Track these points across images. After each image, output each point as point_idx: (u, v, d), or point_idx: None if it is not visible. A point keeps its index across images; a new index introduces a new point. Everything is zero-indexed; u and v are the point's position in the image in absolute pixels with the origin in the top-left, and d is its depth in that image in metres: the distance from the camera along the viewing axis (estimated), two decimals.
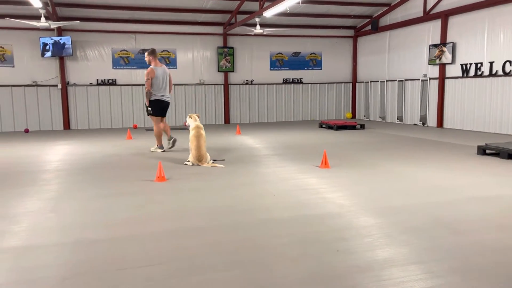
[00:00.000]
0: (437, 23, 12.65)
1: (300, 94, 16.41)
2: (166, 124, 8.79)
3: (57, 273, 2.95)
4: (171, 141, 8.64)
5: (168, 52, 14.79)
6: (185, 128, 12.99)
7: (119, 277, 2.88)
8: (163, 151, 8.59)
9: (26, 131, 13.35)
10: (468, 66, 11.73)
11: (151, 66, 8.32)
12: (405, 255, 3.19)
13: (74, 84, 14.04)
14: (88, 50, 14.10)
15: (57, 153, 8.74)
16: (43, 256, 3.28)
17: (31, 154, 8.67)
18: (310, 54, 16.35)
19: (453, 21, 12.20)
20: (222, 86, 15.50)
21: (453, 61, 12.16)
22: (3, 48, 13.33)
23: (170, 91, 8.66)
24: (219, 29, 15.18)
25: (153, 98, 8.35)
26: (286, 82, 16.19)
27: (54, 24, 11.20)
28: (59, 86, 13.82)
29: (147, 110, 8.53)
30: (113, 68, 14.34)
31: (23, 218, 4.26)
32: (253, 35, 14.63)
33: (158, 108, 8.44)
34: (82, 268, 3.04)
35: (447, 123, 12.64)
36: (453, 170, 6.36)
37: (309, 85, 16.47)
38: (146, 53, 8.46)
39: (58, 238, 3.67)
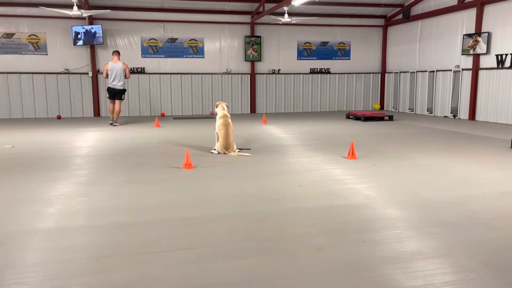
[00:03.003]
0: (472, 12, 12.22)
1: (327, 84, 16.23)
2: (119, 109, 11.64)
3: (89, 254, 3.06)
4: (113, 122, 11.53)
5: (196, 41, 14.86)
6: (212, 116, 13.08)
7: (148, 260, 2.95)
8: (111, 124, 11.57)
9: (58, 117, 13.74)
10: (504, 56, 11.31)
11: (109, 61, 11.61)
12: (434, 248, 3.14)
13: None
14: (118, 39, 14.32)
15: (88, 139, 8.98)
16: (76, 238, 3.40)
17: (64, 139, 8.94)
18: (339, 44, 16.11)
19: (489, 9, 11.76)
20: (249, 75, 15.49)
21: (488, 51, 11.75)
22: (37, 36, 13.70)
23: (126, 78, 11.62)
24: (247, 18, 15.12)
25: (107, 85, 11.66)
26: (313, 72, 16.03)
27: (86, 13, 11.40)
28: (90, 74, 14.13)
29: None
30: (142, 57, 14.53)
31: (57, 200, 4.42)
32: (281, 24, 14.52)
33: (109, 93, 11.62)
34: (113, 250, 3.14)
35: (479, 116, 12.27)
36: (484, 164, 6.18)
37: (337, 75, 16.26)
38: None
39: (89, 221, 3.79)
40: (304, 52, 15.87)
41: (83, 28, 13.60)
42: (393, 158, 6.69)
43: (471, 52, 12.20)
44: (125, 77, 11.55)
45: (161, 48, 14.65)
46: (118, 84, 11.46)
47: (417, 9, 14.57)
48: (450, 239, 3.31)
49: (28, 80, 13.76)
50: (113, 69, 11.35)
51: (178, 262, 2.93)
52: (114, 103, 11.62)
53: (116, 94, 11.51)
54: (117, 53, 11.54)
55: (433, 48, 14.00)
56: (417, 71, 14.77)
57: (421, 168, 5.93)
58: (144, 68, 14.56)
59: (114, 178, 5.42)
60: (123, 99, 11.78)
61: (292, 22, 12.93)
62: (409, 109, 15.34)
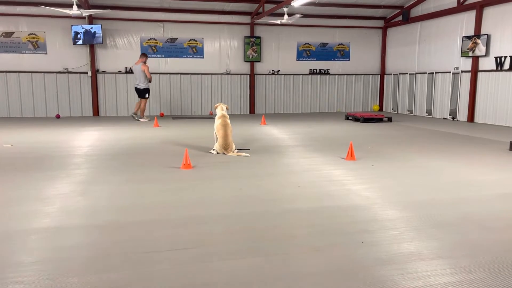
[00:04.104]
0: (471, 14, 12.24)
1: (326, 85, 16.23)
2: (143, 106, 12.77)
3: (87, 253, 3.05)
4: (136, 117, 12.71)
5: (196, 41, 14.86)
6: (211, 117, 13.07)
7: (146, 260, 2.95)
8: (136, 119, 12.69)
9: (57, 116, 13.73)
10: (503, 59, 11.33)
11: None
12: (432, 249, 3.14)
13: (104, 71, 14.31)
14: (117, 38, 14.32)
15: (87, 138, 8.97)
16: (74, 237, 3.40)
17: (62, 139, 8.93)
18: (338, 45, 16.12)
19: (488, 12, 11.78)
20: (248, 76, 15.49)
21: (487, 53, 11.77)
22: (36, 35, 13.68)
23: (147, 80, 12.54)
24: (247, 19, 15.13)
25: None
26: (312, 73, 16.04)
27: (85, 12, 11.39)
28: (89, 74, 14.12)
29: None
30: None
31: (55, 200, 4.41)
32: (280, 25, 14.52)
33: (135, 91, 12.89)
34: (111, 249, 3.13)
35: (478, 118, 12.28)
36: (483, 166, 6.19)
37: (336, 76, 16.27)
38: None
39: (88, 220, 3.79)
40: (304, 53, 15.88)
41: (82, 28, 13.59)
42: (391, 159, 6.70)
43: (470, 54, 12.21)
44: (147, 78, 12.48)
45: (161, 48, 14.64)
46: (139, 84, 12.54)
47: (416, 11, 14.59)
48: (448, 241, 3.31)
49: (27, 79, 13.74)
50: (134, 70, 12.65)
51: (176, 261, 2.93)
52: (140, 101, 12.82)
53: (139, 94, 12.66)
54: (141, 55, 12.62)
55: (432, 50, 14.02)
56: (416, 73, 14.79)
57: (419, 170, 5.93)
58: None
59: (113, 178, 5.41)
60: (146, 97, 12.75)
61: (292, 22, 12.93)
62: (408, 110, 15.36)
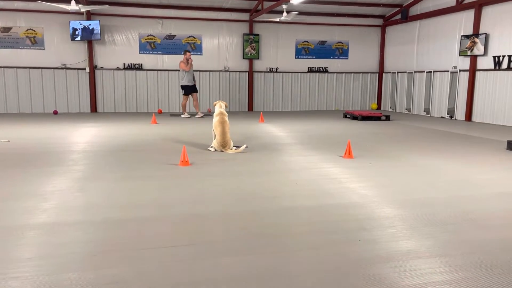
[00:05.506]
0: (470, 13, 12.25)
1: (325, 83, 16.24)
2: (195, 102, 13.00)
3: (85, 250, 3.05)
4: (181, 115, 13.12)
5: (194, 38, 14.83)
6: (209, 114, 13.06)
7: (144, 256, 2.95)
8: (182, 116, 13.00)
9: (55, 112, 13.69)
10: (501, 58, 11.35)
11: None
12: (429, 248, 3.16)
13: (102, 68, 14.27)
14: (115, 35, 14.27)
15: (85, 135, 8.95)
16: (71, 233, 3.39)
17: (60, 135, 8.91)
18: (337, 43, 16.11)
19: (487, 11, 11.79)
20: (247, 73, 15.48)
21: (485, 53, 11.78)
22: (34, 31, 13.63)
23: (186, 77, 12.57)
24: (245, 16, 15.10)
25: None
26: (311, 70, 16.04)
27: (83, 8, 11.35)
28: (87, 70, 14.07)
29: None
30: (139, 53, 14.48)
31: (52, 196, 4.40)
32: (279, 23, 14.51)
33: None
34: (109, 246, 3.13)
35: (476, 117, 12.31)
36: (481, 165, 6.21)
37: (335, 74, 16.27)
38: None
39: (85, 216, 3.79)
40: (302, 51, 15.87)
41: (80, 24, 13.53)
42: (389, 157, 6.71)
43: (469, 53, 12.23)
44: (185, 73, 12.52)
45: (159, 44, 14.60)
46: (181, 82, 12.76)
47: (415, 10, 14.59)
48: (445, 239, 3.32)
49: (25, 75, 13.70)
50: None
51: (174, 258, 2.93)
52: (186, 99, 12.96)
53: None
54: (183, 52, 12.86)
55: (430, 48, 14.03)
56: (414, 72, 14.81)
57: (417, 168, 5.94)
58: (141, 64, 14.51)
59: (111, 174, 5.41)
60: (184, 94, 12.83)
61: (291, 20, 12.92)
62: (406, 109, 15.37)
